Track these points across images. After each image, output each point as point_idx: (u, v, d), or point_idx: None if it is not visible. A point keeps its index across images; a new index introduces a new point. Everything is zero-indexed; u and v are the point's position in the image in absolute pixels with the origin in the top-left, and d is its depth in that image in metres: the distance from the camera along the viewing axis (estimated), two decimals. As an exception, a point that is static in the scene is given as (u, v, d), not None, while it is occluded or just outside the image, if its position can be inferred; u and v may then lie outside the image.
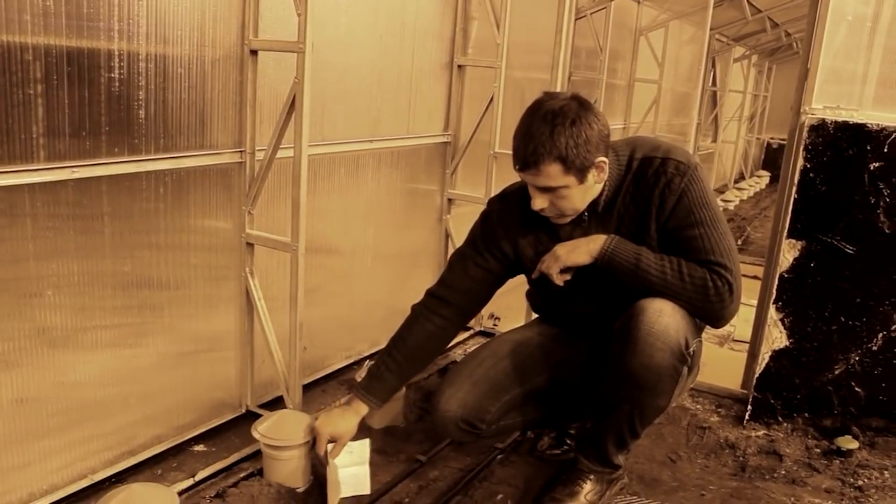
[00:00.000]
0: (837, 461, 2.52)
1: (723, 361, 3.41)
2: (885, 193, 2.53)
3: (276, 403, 2.55)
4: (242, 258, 2.40)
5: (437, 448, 2.44)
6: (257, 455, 2.26)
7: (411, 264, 3.37)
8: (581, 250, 1.99)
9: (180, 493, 2.05)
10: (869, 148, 2.53)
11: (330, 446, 2.07)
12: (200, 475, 2.18)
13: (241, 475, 2.20)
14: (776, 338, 2.73)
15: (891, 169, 2.51)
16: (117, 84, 1.93)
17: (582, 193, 1.94)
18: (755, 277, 3.49)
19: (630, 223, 1.99)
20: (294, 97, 2.17)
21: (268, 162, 2.28)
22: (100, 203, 1.96)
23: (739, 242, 6.69)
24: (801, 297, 2.68)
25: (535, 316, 2.45)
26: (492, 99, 3.26)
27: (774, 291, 2.71)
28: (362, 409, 2.11)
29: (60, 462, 2.01)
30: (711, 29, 5.88)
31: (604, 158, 1.91)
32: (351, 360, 3.05)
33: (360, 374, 2.55)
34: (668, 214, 1.94)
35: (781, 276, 2.69)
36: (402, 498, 2.19)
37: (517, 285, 2.31)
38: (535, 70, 3.87)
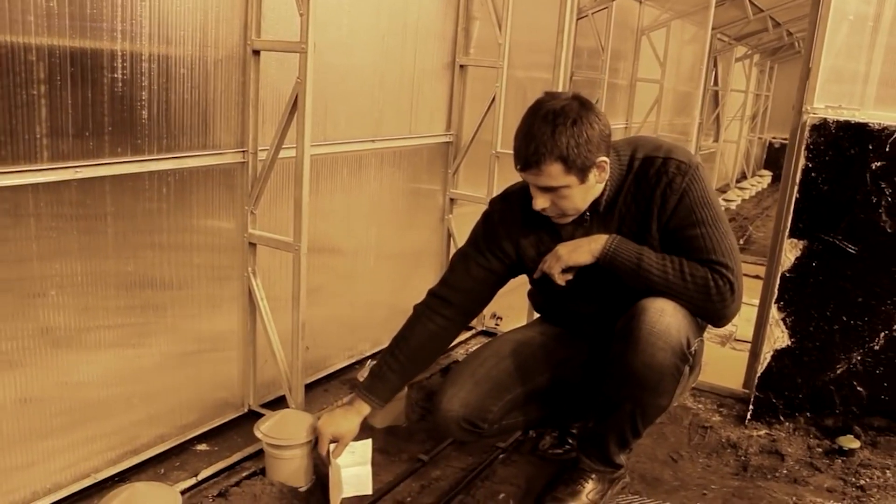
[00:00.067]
0: (839, 461, 2.52)
1: (725, 361, 3.41)
2: (887, 193, 2.53)
3: (278, 403, 2.56)
4: (245, 258, 2.41)
5: (439, 447, 2.44)
6: (260, 454, 2.26)
7: (413, 264, 3.37)
8: (583, 250, 1.99)
9: (183, 493, 2.05)
10: (871, 147, 2.53)
11: (332, 446, 2.07)
12: (203, 474, 2.19)
13: (244, 474, 2.20)
14: (778, 337, 2.73)
15: (892, 168, 2.51)
16: (120, 84, 1.94)
17: (583, 193, 1.94)
18: (757, 277, 3.49)
19: (631, 223, 2.00)
20: (296, 97, 2.18)
21: (270, 162, 2.29)
22: (103, 203, 1.97)
23: (741, 242, 6.69)
24: (802, 296, 2.68)
25: (536, 315, 2.45)
26: (494, 99, 3.27)
27: (776, 291, 2.71)
28: (364, 408, 2.11)
29: (64, 461, 2.01)
30: (713, 28, 5.87)
31: (605, 158, 1.91)
32: (353, 360, 3.05)
33: (363, 374, 2.56)
34: (669, 214, 1.94)
35: (783, 276, 2.69)
36: (404, 497, 2.19)
37: (519, 285, 2.31)
38: (536, 70, 3.87)
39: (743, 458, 2.54)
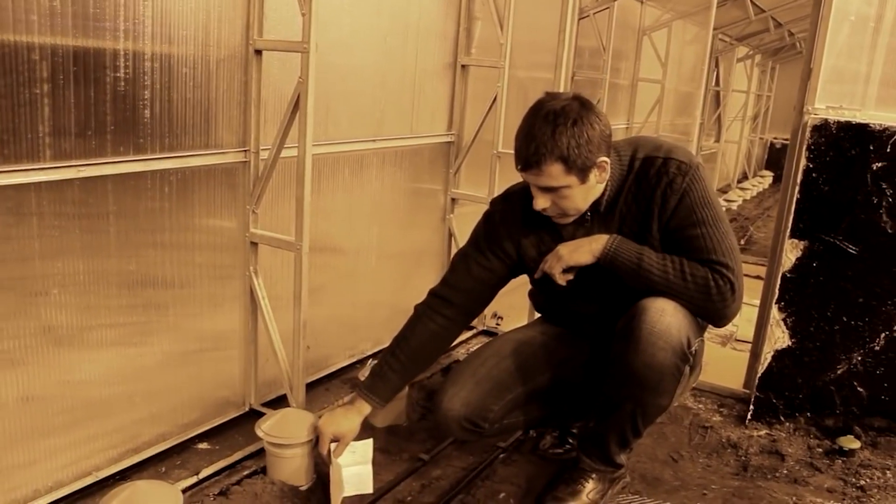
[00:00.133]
0: (839, 461, 2.53)
1: (725, 361, 3.41)
2: (888, 193, 2.53)
3: (279, 402, 2.56)
4: (246, 257, 2.41)
5: (439, 447, 2.45)
6: (261, 453, 2.27)
7: (415, 263, 3.38)
8: (583, 250, 1.99)
9: (184, 491, 2.06)
10: (871, 148, 2.53)
11: (333, 446, 2.08)
12: (204, 473, 2.19)
13: (245, 473, 2.21)
14: (778, 337, 2.73)
15: (893, 169, 2.52)
16: (123, 84, 1.94)
17: (584, 193, 1.95)
18: (758, 277, 3.50)
19: (632, 223, 2.00)
20: (298, 97, 2.18)
21: (272, 161, 2.29)
22: (105, 202, 1.97)
23: (742, 242, 6.68)
24: (803, 296, 2.68)
25: (537, 315, 2.45)
26: (495, 98, 3.27)
27: (777, 291, 2.71)
28: (365, 408, 2.11)
29: (65, 459, 2.02)
30: (715, 29, 5.87)
31: (605, 158, 1.92)
32: (354, 359, 3.06)
33: (364, 374, 2.56)
34: (670, 214, 1.94)
35: (784, 276, 2.69)
36: (404, 496, 2.20)
37: (520, 285, 2.31)
38: (538, 70, 3.88)
39: (743, 458, 2.54)
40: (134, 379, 2.15)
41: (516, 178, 2.05)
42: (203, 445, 2.37)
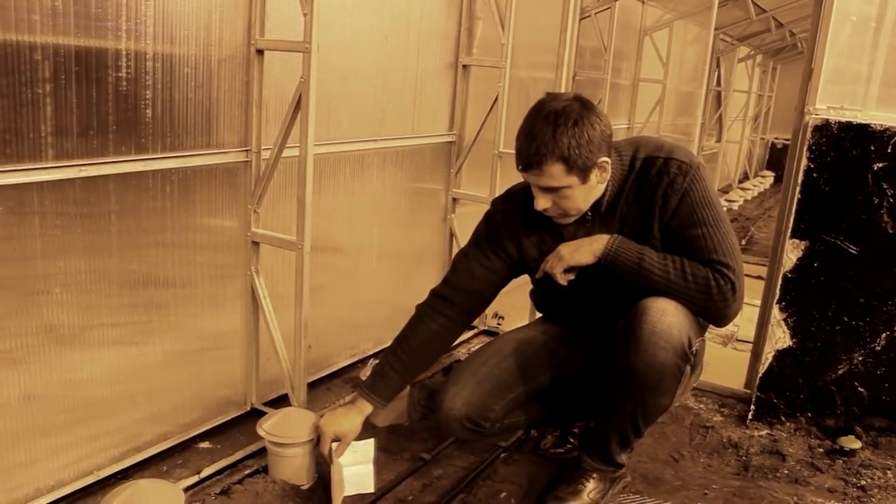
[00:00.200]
0: (840, 461, 2.53)
1: (726, 361, 3.41)
2: (889, 194, 2.53)
3: (280, 401, 2.57)
4: (248, 257, 2.41)
5: (441, 446, 2.45)
6: (262, 452, 2.27)
7: (416, 263, 3.38)
8: (584, 250, 2.00)
9: (185, 490, 2.06)
10: (872, 148, 2.53)
11: (334, 445, 2.08)
12: (206, 472, 2.20)
13: (246, 472, 2.21)
14: (779, 338, 2.73)
15: (894, 169, 2.52)
16: (125, 83, 1.95)
17: (585, 193, 1.95)
18: (759, 277, 3.50)
19: (633, 223, 2.00)
20: (300, 97, 2.19)
21: (273, 161, 2.29)
22: (107, 201, 1.98)
23: (743, 242, 6.68)
24: (804, 297, 2.68)
25: (538, 315, 2.45)
26: (496, 98, 3.27)
27: (778, 291, 2.71)
28: (366, 408, 2.11)
29: (67, 459, 2.02)
30: (716, 29, 5.87)
31: (606, 158, 1.92)
32: (355, 359, 3.06)
33: (365, 373, 2.56)
34: (670, 214, 1.94)
35: (785, 276, 2.69)
36: (405, 496, 2.20)
37: (521, 284, 2.31)
38: (539, 70, 3.88)
39: (744, 458, 2.54)
40: (135, 378, 2.16)
41: (517, 178, 2.05)
42: (204, 444, 2.37)
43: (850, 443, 2.58)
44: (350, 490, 2.10)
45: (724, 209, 2.03)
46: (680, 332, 1.89)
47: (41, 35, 1.74)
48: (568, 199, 1.93)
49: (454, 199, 3.48)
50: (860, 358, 2.65)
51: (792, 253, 2.67)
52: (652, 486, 2.31)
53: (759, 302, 3.04)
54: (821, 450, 2.61)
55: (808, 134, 2.60)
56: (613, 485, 2.19)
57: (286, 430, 2.15)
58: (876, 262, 2.58)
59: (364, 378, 2.31)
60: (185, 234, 2.22)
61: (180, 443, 2.32)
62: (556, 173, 1.87)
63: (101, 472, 2.10)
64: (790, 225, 2.66)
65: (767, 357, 2.76)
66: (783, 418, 2.76)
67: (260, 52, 2.28)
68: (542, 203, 1.95)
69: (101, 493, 1.98)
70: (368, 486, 2.14)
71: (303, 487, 2.17)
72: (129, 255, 2.07)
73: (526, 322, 2.63)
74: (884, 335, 2.61)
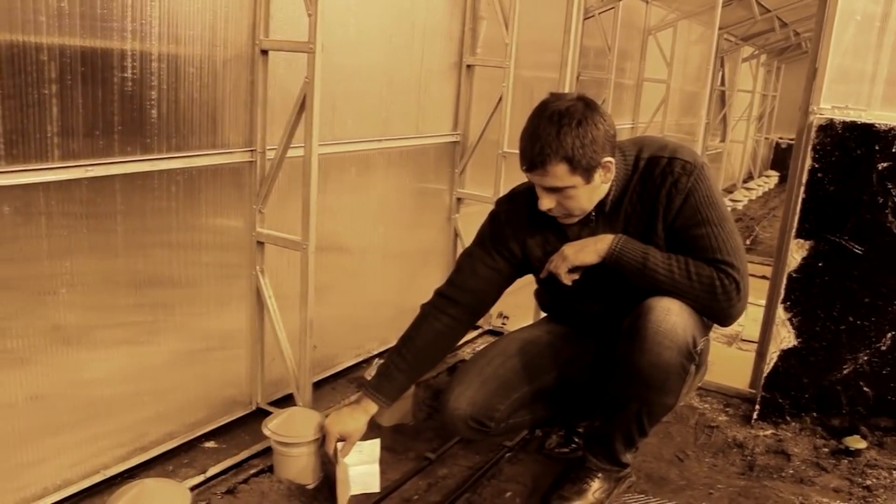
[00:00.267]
0: (846, 461, 2.52)
1: (731, 361, 3.41)
2: (894, 194, 2.52)
3: (286, 401, 2.57)
4: (253, 257, 2.42)
5: (446, 446, 2.45)
6: (268, 452, 2.28)
7: (420, 263, 3.38)
8: (589, 250, 2.00)
9: (191, 489, 2.06)
10: (877, 148, 2.53)
11: (339, 445, 2.08)
12: (211, 471, 2.20)
13: (252, 472, 2.22)
14: (784, 337, 2.73)
15: (899, 169, 2.52)
16: (130, 84, 1.95)
17: (589, 193, 1.95)
18: (763, 277, 3.50)
19: (637, 223, 2.00)
20: (304, 97, 2.19)
21: (278, 161, 2.30)
22: (113, 202, 1.98)
23: (748, 242, 6.67)
24: (809, 296, 2.68)
25: (543, 315, 2.45)
26: (500, 98, 3.27)
27: (783, 291, 2.71)
28: (371, 407, 2.11)
29: (73, 458, 2.03)
30: (720, 28, 5.87)
31: (610, 158, 1.92)
32: (360, 359, 3.06)
33: (370, 373, 2.56)
34: (675, 214, 1.94)
35: (790, 276, 2.69)
36: (411, 495, 2.20)
37: (525, 284, 2.32)
38: (543, 69, 3.88)
39: (749, 457, 2.54)
40: (141, 378, 2.16)
41: (522, 177, 2.05)
42: (210, 444, 2.37)
43: (856, 443, 2.58)
44: (356, 490, 2.11)
45: (728, 209, 2.03)
46: (685, 332, 1.89)
47: (47, 36, 1.75)
48: (572, 199, 1.94)
49: (458, 199, 3.48)
50: (865, 358, 2.65)
51: (797, 253, 2.66)
52: (657, 485, 2.31)
53: (763, 302, 3.04)
54: (826, 449, 2.60)
55: (813, 134, 2.60)
56: (618, 484, 2.19)
57: (291, 429, 2.15)
58: (881, 262, 2.57)
59: (369, 378, 2.31)
60: (191, 234, 2.22)
61: (186, 442, 2.33)
62: (560, 173, 1.87)
63: (107, 472, 2.10)
64: (795, 224, 2.66)
65: (772, 357, 2.76)
66: (788, 418, 2.76)
67: (264, 52, 2.28)
68: (547, 203, 1.95)
69: (107, 493, 2.00)
70: (374, 486, 2.14)
71: (308, 487, 2.17)
72: (135, 255, 2.07)
73: (531, 322, 2.64)
74: (889, 335, 2.61)
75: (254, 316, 2.48)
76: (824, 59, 2.66)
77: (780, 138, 12.43)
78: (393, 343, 2.20)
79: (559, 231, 2.08)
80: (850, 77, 2.67)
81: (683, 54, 6.86)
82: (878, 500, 2.32)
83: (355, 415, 2.10)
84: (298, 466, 2.16)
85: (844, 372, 2.68)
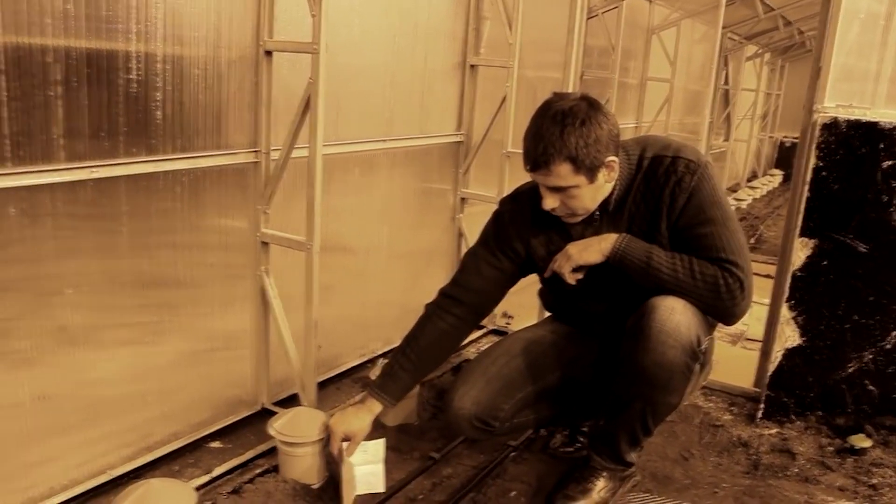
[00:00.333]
0: (851, 459, 2.52)
1: (736, 360, 3.41)
2: (899, 191, 2.52)
3: (291, 401, 2.58)
4: (258, 257, 2.43)
5: (450, 445, 2.45)
6: (273, 452, 2.28)
7: (425, 263, 3.39)
8: (593, 249, 2.00)
9: (197, 489, 2.07)
10: (882, 146, 2.52)
11: (344, 444, 2.09)
12: (216, 471, 2.21)
13: (257, 471, 2.22)
14: (789, 336, 2.73)
15: (904, 167, 2.51)
16: (135, 85, 1.96)
17: (592, 193, 1.95)
18: (768, 276, 3.48)
19: (641, 222, 2.00)
20: (309, 97, 2.20)
21: (283, 162, 2.30)
22: (118, 203, 1.99)
23: (752, 241, 6.67)
24: (813, 295, 2.68)
25: (547, 314, 2.46)
26: (504, 98, 3.28)
27: (787, 290, 2.71)
28: (376, 407, 2.12)
29: (80, 458, 2.04)
30: (723, 27, 5.87)
31: (614, 158, 1.92)
32: (365, 359, 3.07)
33: (374, 373, 2.57)
34: (678, 213, 1.94)
35: (794, 275, 2.69)
36: (415, 495, 2.21)
37: (529, 284, 2.32)
38: (547, 69, 3.88)
39: (754, 456, 2.54)
40: (146, 378, 2.17)
41: (525, 177, 2.05)
42: (215, 444, 2.38)
43: (861, 441, 2.57)
44: (361, 489, 2.11)
45: (732, 208, 2.03)
46: (689, 331, 1.89)
47: (52, 38, 1.75)
48: (576, 198, 1.94)
49: (462, 199, 3.48)
50: (870, 356, 2.64)
51: (801, 251, 2.66)
52: (661, 484, 2.31)
53: (768, 300, 3.04)
54: (831, 448, 2.60)
55: (817, 132, 2.60)
56: (623, 483, 2.19)
57: (296, 429, 2.16)
58: (885, 260, 2.57)
59: (373, 378, 2.32)
60: (196, 234, 2.23)
61: (191, 442, 2.33)
62: (563, 173, 1.87)
63: (113, 472, 2.11)
64: (799, 223, 2.66)
65: (777, 355, 2.76)
66: (793, 417, 2.76)
67: (269, 53, 2.29)
68: (550, 203, 1.95)
69: (113, 493, 2.00)
70: (379, 486, 2.15)
71: (313, 486, 2.18)
72: (140, 255, 2.08)
73: (535, 321, 2.64)
74: (894, 333, 2.60)
75: (258, 316, 2.49)
76: (828, 58, 2.65)
77: (785, 137, 12.42)
78: (397, 343, 2.20)
79: (563, 230, 2.08)
80: (855, 75, 2.66)
81: (687, 53, 6.85)
82: (884, 498, 2.32)
83: (360, 414, 2.11)
84: (303, 466, 2.17)
85: (849, 370, 2.68)
